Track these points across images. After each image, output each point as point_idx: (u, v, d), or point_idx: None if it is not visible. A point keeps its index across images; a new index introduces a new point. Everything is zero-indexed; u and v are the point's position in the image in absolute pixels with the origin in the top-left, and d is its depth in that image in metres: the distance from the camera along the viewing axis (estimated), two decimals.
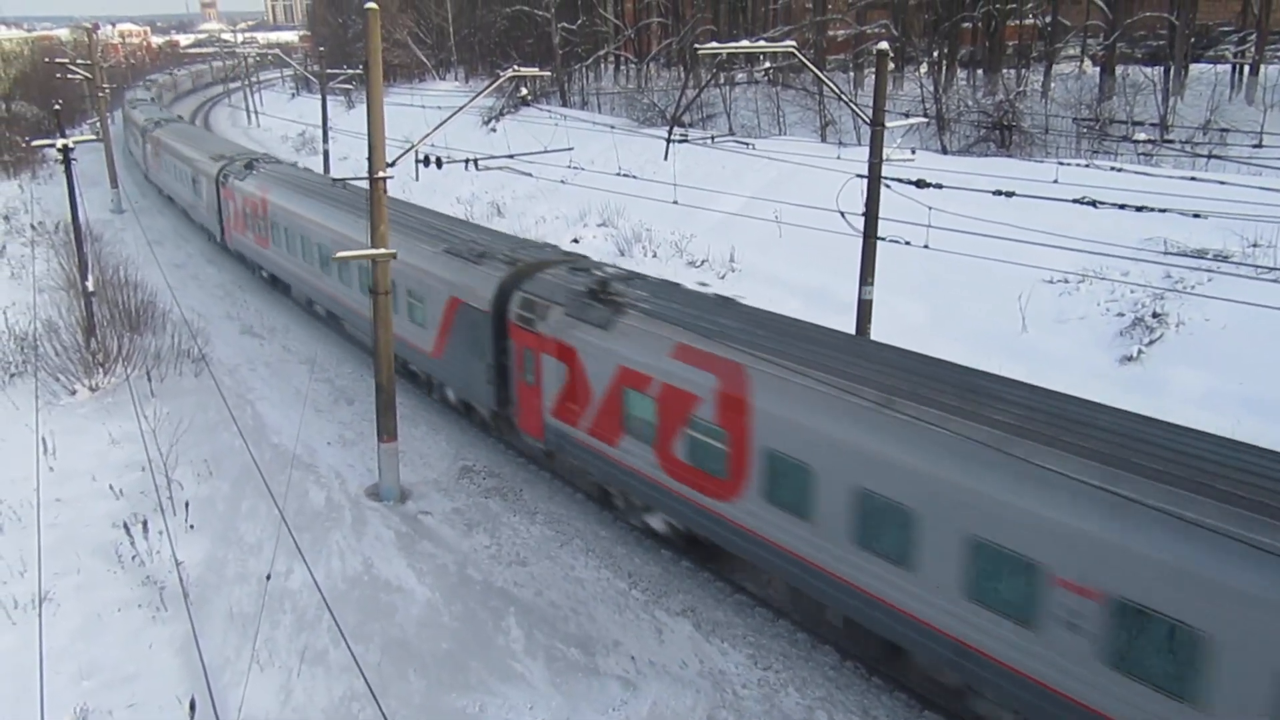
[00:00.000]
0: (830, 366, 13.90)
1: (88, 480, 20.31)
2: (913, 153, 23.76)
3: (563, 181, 34.75)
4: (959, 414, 12.13)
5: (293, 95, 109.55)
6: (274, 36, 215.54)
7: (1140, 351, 23.03)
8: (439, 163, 23.20)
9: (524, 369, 19.42)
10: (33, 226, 45.10)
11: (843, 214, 20.89)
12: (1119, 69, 39.17)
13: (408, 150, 20.49)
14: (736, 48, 27.98)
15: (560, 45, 62.55)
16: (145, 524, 17.77)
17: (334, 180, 26.80)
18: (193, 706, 13.05)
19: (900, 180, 20.05)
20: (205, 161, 41.95)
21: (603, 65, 67.33)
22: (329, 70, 57.43)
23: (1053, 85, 41.03)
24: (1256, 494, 9.94)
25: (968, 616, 11.78)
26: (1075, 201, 19.02)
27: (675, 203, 30.63)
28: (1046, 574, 10.85)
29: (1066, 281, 25.52)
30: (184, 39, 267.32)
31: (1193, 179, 24.19)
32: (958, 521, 11.64)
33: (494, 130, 57.09)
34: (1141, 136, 33.05)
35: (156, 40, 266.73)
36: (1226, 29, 44.03)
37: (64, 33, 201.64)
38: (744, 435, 14.44)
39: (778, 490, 14.13)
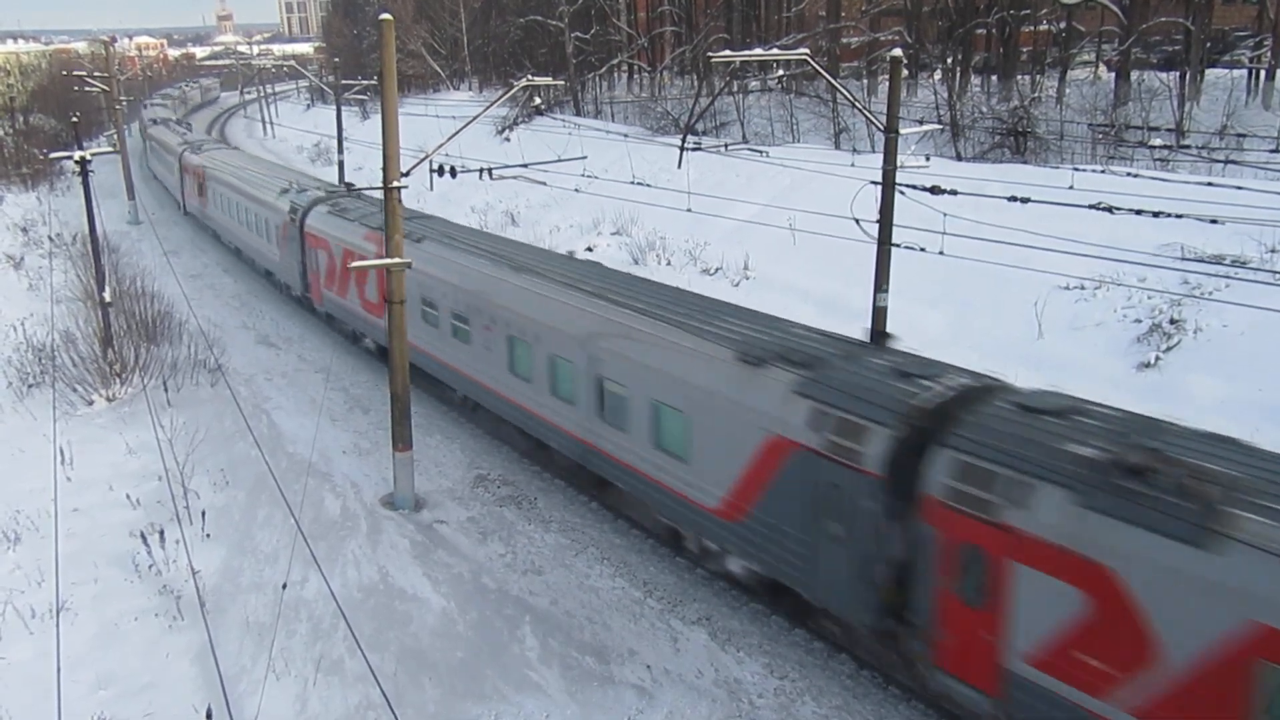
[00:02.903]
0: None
1: (105, 490, 20.42)
2: (927, 159, 23.72)
3: (577, 190, 34.85)
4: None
5: (308, 106, 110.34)
6: (290, 48, 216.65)
7: (1157, 358, 22.88)
8: (453, 172, 23.33)
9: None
10: (50, 238, 45.44)
11: (857, 221, 20.84)
12: (1134, 74, 38.99)
13: (422, 160, 20.57)
14: (750, 55, 28.08)
15: (574, 54, 62.72)
16: (162, 533, 17.84)
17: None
18: (209, 716, 13.07)
19: (915, 187, 20.00)
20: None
21: (616, 74, 67.49)
22: (344, 81, 57.71)
23: (1067, 91, 40.89)
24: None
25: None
26: (1091, 207, 18.96)
27: (689, 210, 30.66)
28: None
29: (1083, 288, 25.40)
30: (200, 51, 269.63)
31: (1209, 184, 24.01)
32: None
33: (508, 140, 57.27)
34: (1157, 142, 32.88)
35: (173, 53, 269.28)
36: (1242, 34, 43.81)
37: (81, 46, 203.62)
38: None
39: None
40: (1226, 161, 29.74)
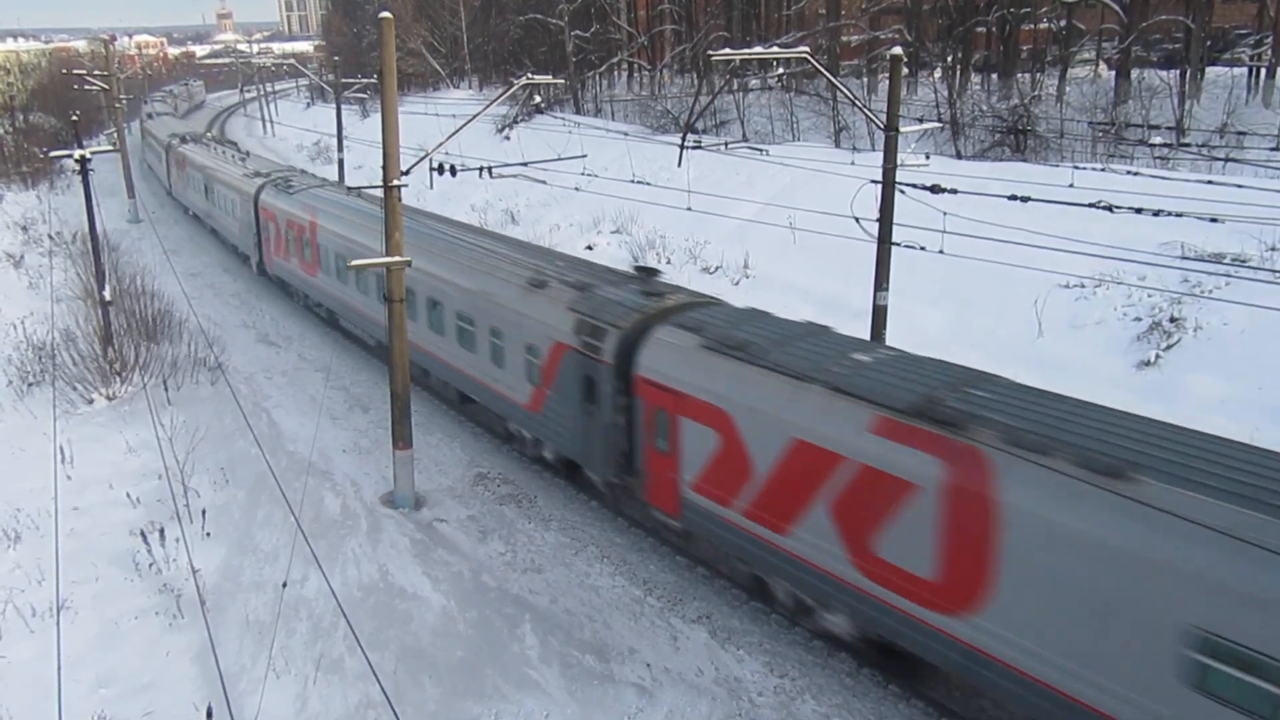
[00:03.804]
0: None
1: (105, 489, 20.42)
2: (927, 158, 23.72)
3: (576, 189, 34.83)
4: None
5: (308, 104, 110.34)
6: (289, 47, 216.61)
7: (1157, 356, 22.89)
8: (453, 170, 23.33)
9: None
10: (50, 237, 45.45)
11: (857, 220, 20.85)
12: (1134, 72, 38.98)
13: (422, 159, 20.56)
14: (750, 54, 28.09)
15: (573, 53, 62.71)
16: (162, 532, 17.84)
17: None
18: (210, 714, 13.08)
19: (915, 185, 19.99)
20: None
21: (616, 72, 67.45)
22: (344, 80, 57.71)
23: (1068, 89, 40.87)
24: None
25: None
26: (1091, 206, 18.93)
27: (689, 209, 30.64)
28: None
29: (1083, 286, 25.40)
30: (200, 50, 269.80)
31: (1210, 183, 24.02)
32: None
33: (508, 138, 57.26)
34: (1158, 140, 32.87)
35: (173, 51, 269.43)
36: (1243, 32, 43.79)
37: (81, 44, 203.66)
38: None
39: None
40: (1227, 160, 29.73)
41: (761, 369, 14.55)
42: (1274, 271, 22.39)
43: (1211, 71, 40.33)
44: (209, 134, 66.97)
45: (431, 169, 22.01)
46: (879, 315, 20.77)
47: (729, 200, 35.72)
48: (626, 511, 18.69)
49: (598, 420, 17.72)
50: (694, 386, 15.46)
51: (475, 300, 21.36)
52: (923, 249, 20.28)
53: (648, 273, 19.94)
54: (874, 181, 20.35)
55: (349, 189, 27.97)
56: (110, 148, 42.62)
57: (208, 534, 18.38)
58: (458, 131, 22.53)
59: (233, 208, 40.34)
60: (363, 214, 28.28)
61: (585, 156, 32.04)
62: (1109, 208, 18.72)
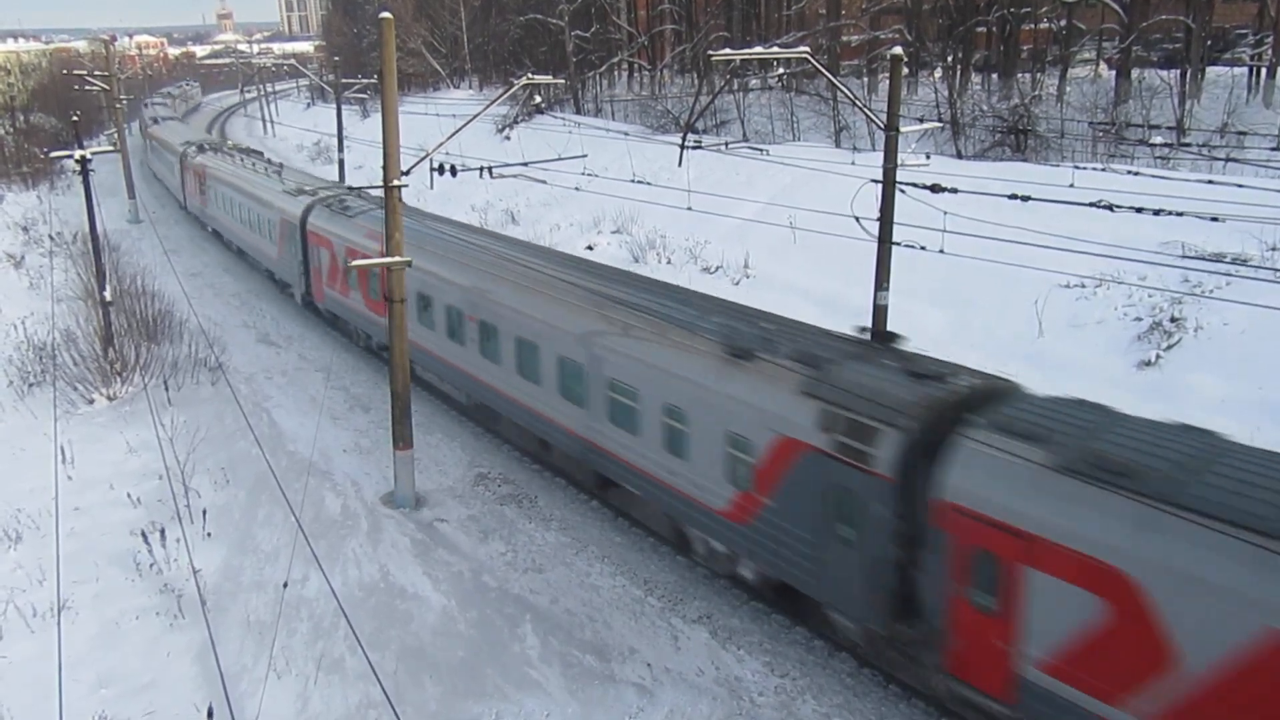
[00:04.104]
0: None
1: (106, 489, 20.43)
2: (927, 157, 23.70)
3: (577, 189, 34.81)
4: None
5: (308, 105, 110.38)
6: (289, 47, 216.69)
7: (1158, 356, 22.87)
8: (454, 170, 23.32)
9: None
10: (51, 237, 45.49)
11: (857, 219, 20.84)
12: (1135, 72, 38.97)
13: (422, 159, 20.56)
14: (750, 54, 28.08)
15: (574, 53, 62.70)
16: (163, 532, 17.85)
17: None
18: (210, 714, 13.08)
19: (915, 185, 19.98)
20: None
21: (616, 72, 67.43)
22: (344, 80, 57.71)
23: (1068, 89, 40.85)
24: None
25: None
26: (1091, 205, 18.92)
27: (689, 209, 30.63)
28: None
29: (1083, 286, 25.38)
30: (200, 50, 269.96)
31: (1210, 182, 24.00)
32: None
33: (508, 138, 57.26)
34: (1158, 140, 32.86)
35: (173, 51, 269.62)
36: (1243, 31, 43.78)
37: (81, 45, 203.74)
38: None
39: None
40: (1227, 159, 29.72)
41: (1192, 518, 9.92)
42: (1274, 271, 22.38)
43: (1212, 71, 40.33)
44: (230, 142, 60.65)
45: (432, 169, 22.01)
46: (879, 315, 20.75)
47: (729, 200, 35.71)
48: (899, 675, 14.05)
49: (857, 550, 13.32)
50: (1055, 528, 10.86)
51: (641, 368, 16.70)
52: (923, 249, 20.26)
53: (886, 338, 15.23)
54: (874, 181, 20.33)
55: (350, 189, 27.84)
56: (110, 148, 42.62)
57: (208, 534, 18.39)
58: (458, 131, 22.53)
59: (270, 229, 35.56)
60: (451, 246, 23.77)
61: (585, 156, 32.04)
62: (1109, 207, 18.71)
